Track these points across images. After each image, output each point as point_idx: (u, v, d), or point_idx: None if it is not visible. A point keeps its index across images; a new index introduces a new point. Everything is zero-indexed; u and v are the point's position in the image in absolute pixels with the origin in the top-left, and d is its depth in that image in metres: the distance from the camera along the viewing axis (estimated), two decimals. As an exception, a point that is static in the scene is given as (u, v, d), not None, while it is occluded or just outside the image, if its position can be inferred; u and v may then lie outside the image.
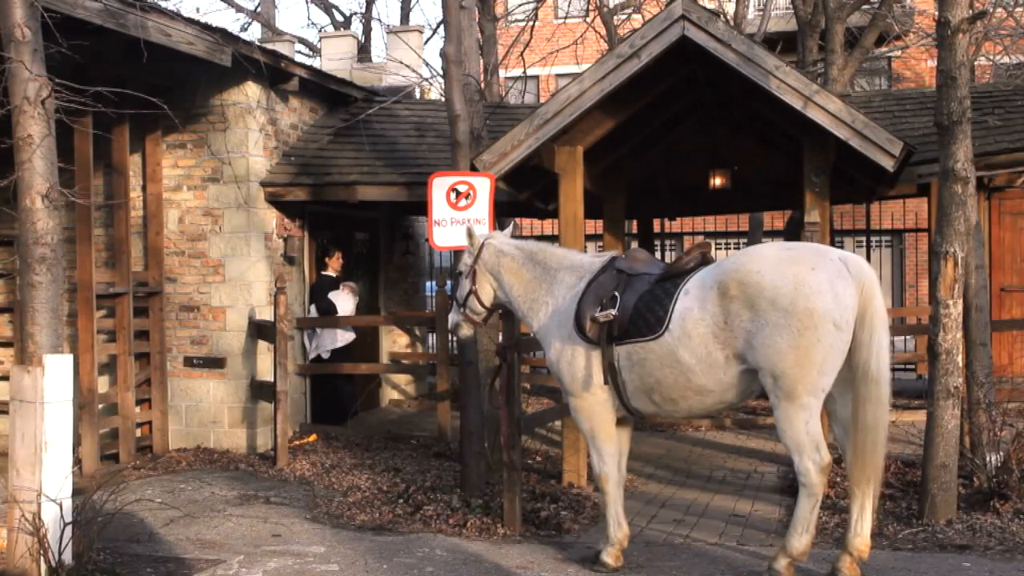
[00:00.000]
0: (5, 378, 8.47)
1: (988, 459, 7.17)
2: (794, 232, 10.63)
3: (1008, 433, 7.18)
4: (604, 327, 5.64)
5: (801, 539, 5.26)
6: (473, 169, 7.75)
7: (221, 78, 9.68)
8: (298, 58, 14.60)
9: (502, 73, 16.87)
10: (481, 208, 7.34)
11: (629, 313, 5.58)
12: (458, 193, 7.30)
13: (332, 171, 10.34)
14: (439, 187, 7.27)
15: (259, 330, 9.90)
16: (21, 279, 6.38)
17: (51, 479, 5.44)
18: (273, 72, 9.90)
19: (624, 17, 18.73)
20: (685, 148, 10.81)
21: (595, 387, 5.77)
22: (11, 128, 6.07)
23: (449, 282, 9.13)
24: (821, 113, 7.31)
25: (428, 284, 14.10)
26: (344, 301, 10.79)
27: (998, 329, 10.21)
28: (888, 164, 7.32)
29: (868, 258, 13.80)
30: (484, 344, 8.09)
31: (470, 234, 6.38)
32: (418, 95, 13.85)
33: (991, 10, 13.99)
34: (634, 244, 12.89)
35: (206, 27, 8.83)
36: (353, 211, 11.44)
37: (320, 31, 27.41)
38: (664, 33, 7.38)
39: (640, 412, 5.85)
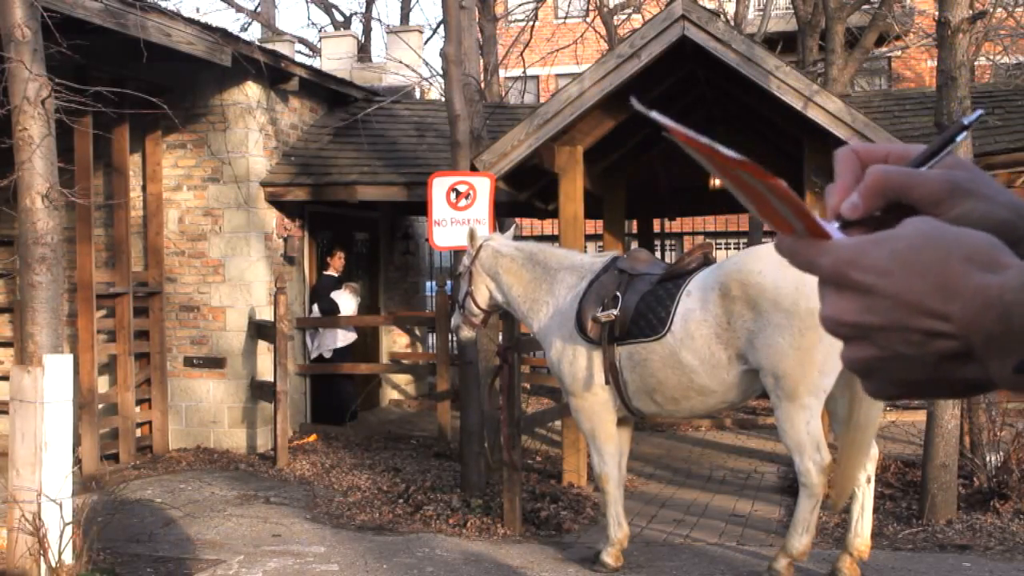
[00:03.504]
0: (5, 378, 8.48)
1: (988, 459, 7.17)
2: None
3: (1008, 433, 7.18)
4: (605, 327, 5.64)
5: (801, 539, 5.26)
6: (473, 169, 7.75)
7: (221, 78, 9.67)
8: (298, 58, 14.60)
9: (502, 73, 16.88)
10: (481, 208, 7.34)
11: (631, 313, 5.58)
12: (458, 193, 7.30)
13: (332, 171, 10.34)
14: (439, 187, 7.27)
15: (259, 330, 9.90)
16: (21, 279, 6.38)
17: (51, 479, 5.44)
18: (273, 72, 9.90)
19: (624, 17, 18.73)
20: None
21: (596, 387, 5.77)
22: (11, 128, 6.07)
23: (449, 282, 9.13)
24: (821, 113, 7.31)
25: (428, 284, 14.10)
26: (346, 301, 10.79)
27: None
28: (888, 164, 7.33)
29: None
30: (484, 344, 8.09)
31: (472, 235, 6.36)
32: (418, 95, 13.85)
33: (991, 10, 13.99)
34: (634, 244, 12.90)
35: (206, 27, 8.83)
36: (353, 211, 11.44)
37: (320, 31, 27.41)
38: (664, 33, 7.38)
39: (641, 412, 5.85)
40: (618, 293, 5.67)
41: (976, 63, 14.61)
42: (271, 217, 10.23)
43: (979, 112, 0.74)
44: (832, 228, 0.69)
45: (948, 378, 0.65)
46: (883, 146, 0.77)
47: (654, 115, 0.73)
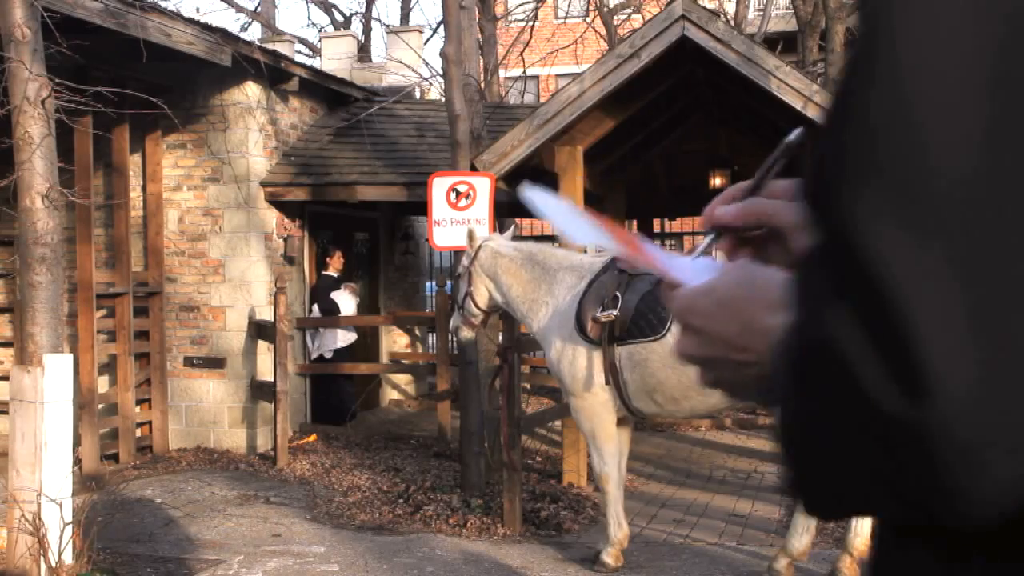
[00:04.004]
0: (5, 378, 8.49)
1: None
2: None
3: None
4: (605, 327, 5.64)
5: (801, 539, 5.26)
6: (473, 169, 7.75)
7: (221, 78, 9.67)
8: (298, 58, 14.60)
9: (502, 73, 16.87)
10: (481, 208, 7.34)
11: (631, 313, 5.58)
12: (458, 193, 7.30)
13: (332, 171, 10.34)
14: (439, 187, 7.28)
15: (259, 330, 9.90)
16: (21, 279, 6.38)
17: (51, 479, 5.44)
18: (273, 72, 9.89)
19: (624, 17, 18.74)
20: (685, 148, 10.82)
21: (596, 387, 5.77)
22: (11, 128, 6.07)
23: (449, 282, 9.13)
24: (821, 113, 7.31)
25: (428, 284, 14.10)
26: (346, 301, 10.79)
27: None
28: (888, 164, 7.33)
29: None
30: (484, 344, 8.09)
31: (471, 236, 6.36)
32: (418, 95, 13.85)
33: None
34: (634, 244, 12.88)
35: (206, 27, 8.83)
36: (353, 211, 11.44)
37: (320, 31, 27.43)
38: (664, 33, 7.38)
39: (642, 412, 5.85)
40: (618, 293, 5.67)
41: (976, 63, 14.58)
42: (271, 217, 10.23)
43: (800, 129, 0.94)
44: (679, 265, 0.87)
45: (768, 391, 0.79)
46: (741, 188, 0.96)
47: (531, 198, 0.94)
